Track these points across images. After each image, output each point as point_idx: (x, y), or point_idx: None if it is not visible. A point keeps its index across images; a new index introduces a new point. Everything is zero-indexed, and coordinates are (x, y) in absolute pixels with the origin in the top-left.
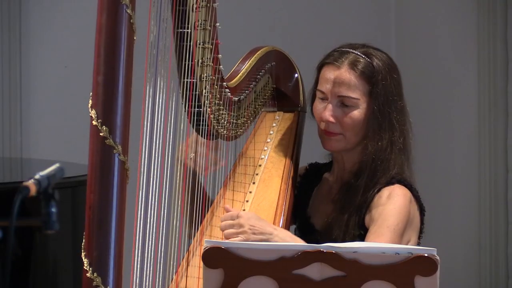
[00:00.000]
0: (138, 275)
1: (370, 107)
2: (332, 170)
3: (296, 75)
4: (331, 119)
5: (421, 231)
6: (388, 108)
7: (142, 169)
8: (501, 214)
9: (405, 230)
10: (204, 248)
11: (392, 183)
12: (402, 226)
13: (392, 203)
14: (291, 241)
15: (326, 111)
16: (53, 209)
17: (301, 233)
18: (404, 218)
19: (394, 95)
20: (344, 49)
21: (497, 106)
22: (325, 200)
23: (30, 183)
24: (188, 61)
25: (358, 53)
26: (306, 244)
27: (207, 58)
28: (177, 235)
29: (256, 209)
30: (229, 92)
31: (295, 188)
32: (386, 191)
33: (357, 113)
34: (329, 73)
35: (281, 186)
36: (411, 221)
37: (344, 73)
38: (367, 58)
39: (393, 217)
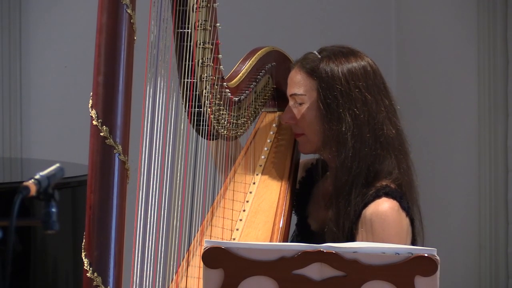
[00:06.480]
0: (138, 275)
1: (316, 101)
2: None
3: None
4: (286, 120)
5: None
6: (331, 97)
7: (142, 169)
8: (501, 214)
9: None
10: (204, 248)
11: (379, 196)
12: (404, 242)
13: (386, 231)
14: None
15: (283, 114)
16: (53, 209)
17: (299, 231)
18: (402, 235)
19: (348, 89)
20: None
21: (497, 106)
22: (322, 202)
23: (30, 183)
24: (189, 61)
25: (315, 52)
26: (306, 244)
27: (207, 58)
28: (177, 235)
29: (256, 209)
30: (229, 92)
31: (298, 183)
32: (372, 207)
33: (305, 109)
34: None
35: (281, 187)
36: (407, 231)
37: (293, 73)
38: (318, 55)
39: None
